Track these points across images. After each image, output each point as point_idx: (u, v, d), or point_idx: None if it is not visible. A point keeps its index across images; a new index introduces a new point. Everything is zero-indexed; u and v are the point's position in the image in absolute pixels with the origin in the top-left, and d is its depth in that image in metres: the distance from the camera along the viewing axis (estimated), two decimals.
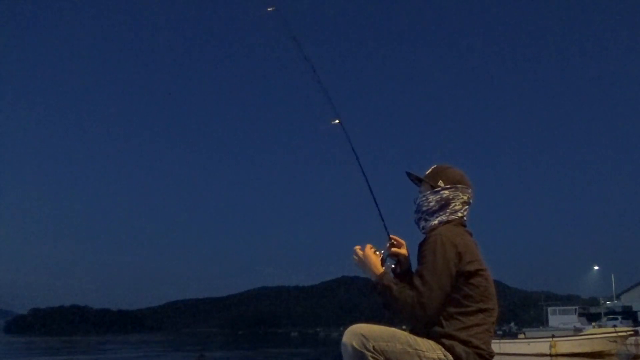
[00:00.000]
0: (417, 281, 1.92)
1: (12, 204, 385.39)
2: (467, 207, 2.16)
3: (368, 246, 2.16)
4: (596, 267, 62.99)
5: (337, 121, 2.38)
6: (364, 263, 2.11)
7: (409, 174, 2.30)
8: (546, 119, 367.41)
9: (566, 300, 67.14)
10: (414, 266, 2.15)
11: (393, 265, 2.21)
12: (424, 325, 1.94)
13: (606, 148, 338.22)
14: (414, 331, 1.98)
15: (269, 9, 2.56)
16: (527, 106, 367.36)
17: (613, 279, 55.10)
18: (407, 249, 2.26)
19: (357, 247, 2.17)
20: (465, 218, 2.15)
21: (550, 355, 20.56)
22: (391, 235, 2.26)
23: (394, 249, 2.23)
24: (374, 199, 2.27)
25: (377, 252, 2.15)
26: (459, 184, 2.16)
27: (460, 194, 2.14)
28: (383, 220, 2.27)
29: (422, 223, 2.16)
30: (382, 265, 2.11)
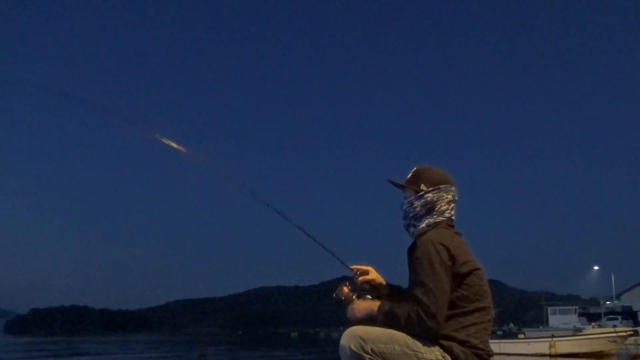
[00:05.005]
0: (418, 292, 1.88)
1: (12, 204, 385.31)
2: (453, 205, 2.14)
3: (345, 289, 2.16)
4: (596, 267, 62.85)
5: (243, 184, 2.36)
6: (359, 311, 2.07)
7: (391, 182, 2.26)
8: (546, 120, 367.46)
9: (566, 300, 67.07)
10: (395, 276, 2.16)
11: (369, 297, 2.17)
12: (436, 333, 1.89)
13: (606, 148, 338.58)
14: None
15: None
16: (528, 106, 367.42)
17: (613, 279, 55.02)
18: (375, 272, 2.24)
19: (345, 291, 2.16)
20: (453, 217, 2.13)
21: (550, 355, 20.53)
22: (352, 267, 2.25)
23: (361, 279, 2.22)
24: (323, 246, 2.22)
25: (346, 287, 2.16)
26: (442, 184, 2.13)
27: (444, 193, 2.12)
28: (336, 257, 2.24)
29: (412, 229, 2.14)
30: (356, 296, 2.12)
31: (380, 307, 2.00)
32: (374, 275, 2.24)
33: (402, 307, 1.92)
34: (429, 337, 1.89)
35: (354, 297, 2.14)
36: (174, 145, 2.41)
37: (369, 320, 2.02)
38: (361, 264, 2.27)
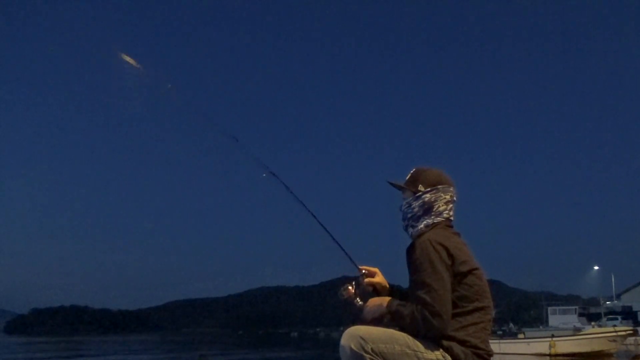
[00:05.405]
0: (421, 292, 1.88)
1: (12, 204, 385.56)
2: (451, 205, 2.14)
3: (351, 289, 2.17)
4: (596, 267, 62.79)
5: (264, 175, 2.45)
6: (373, 305, 2.08)
7: (390, 184, 2.27)
8: (546, 120, 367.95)
9: (566, 300, 67.06)
10: (395, 278, 2.16)
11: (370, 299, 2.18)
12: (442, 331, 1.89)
13: (606, 148, 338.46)
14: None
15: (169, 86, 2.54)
16: (528, 106, 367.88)
17: (613, 279, 55.14)
18: (381, 275, 2.26)
19: (350, 291, 2.18)
20: (451, 218, 2.13)
21: (550, 355, 20.57)
22: (360, 267, 2.26)
23: (367, 280, 2.23)
24: (334, 239, 2.25)
25: (351, 287, 2.17)
26: (439, 184, 2.14)
27: (442, 194, 2.12)
28: (348, 254, 2.26)
29: (410, 230, 2.15)
30: (359, 297, 2.13)
31: (388, 305, 2.01)
32: (379, 278, 2.25)
33: (407, 307, 1.93)
34: (434, 337, 1.89)
35: (357, 298, 2.15)
36: (129, 60, 2.42)
37: (376, 319, 2.03)
38: (369, 265, 2.29)
